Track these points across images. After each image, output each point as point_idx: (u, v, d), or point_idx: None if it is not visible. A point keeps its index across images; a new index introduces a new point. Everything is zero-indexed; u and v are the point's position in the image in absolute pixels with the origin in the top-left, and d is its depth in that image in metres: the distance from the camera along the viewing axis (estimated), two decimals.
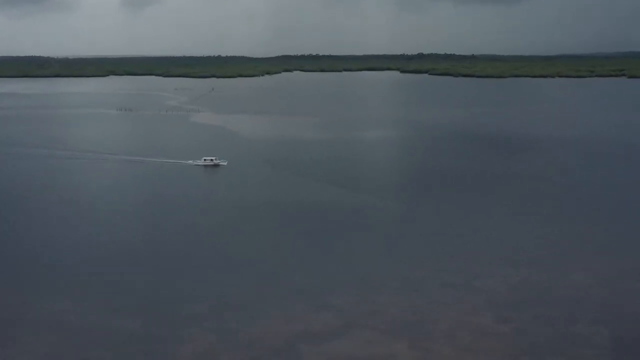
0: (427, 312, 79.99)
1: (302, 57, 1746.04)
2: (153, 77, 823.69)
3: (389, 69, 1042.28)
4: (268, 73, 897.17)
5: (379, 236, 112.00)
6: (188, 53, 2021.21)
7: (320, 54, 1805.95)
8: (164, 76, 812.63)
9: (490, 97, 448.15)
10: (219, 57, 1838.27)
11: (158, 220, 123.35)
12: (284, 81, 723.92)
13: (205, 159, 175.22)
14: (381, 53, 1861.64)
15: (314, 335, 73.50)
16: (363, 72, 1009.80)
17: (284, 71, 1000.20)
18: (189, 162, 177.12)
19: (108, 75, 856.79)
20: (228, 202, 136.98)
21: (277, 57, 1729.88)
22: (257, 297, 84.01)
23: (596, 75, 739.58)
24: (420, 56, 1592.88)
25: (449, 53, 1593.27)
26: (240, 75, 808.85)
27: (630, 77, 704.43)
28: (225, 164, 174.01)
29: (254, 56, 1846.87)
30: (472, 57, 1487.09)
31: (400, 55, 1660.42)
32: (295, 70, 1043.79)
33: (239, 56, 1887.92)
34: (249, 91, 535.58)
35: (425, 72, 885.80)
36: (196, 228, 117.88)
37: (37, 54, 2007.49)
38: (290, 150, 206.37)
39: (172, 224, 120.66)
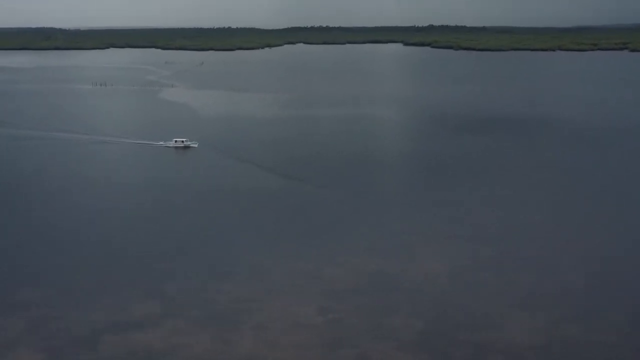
0: (257, 301, 79.82)
1: (312, 29, 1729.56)
2: (153, 49, 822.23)
3: (392, 41, 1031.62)
4: (269, 46, 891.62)
5: (267, 223, 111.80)
6: (197, 25, 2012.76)
7: (330, 26, 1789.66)
8: (163, 49, 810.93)
9: (475, 72, 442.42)
10: (228, 29, 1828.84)
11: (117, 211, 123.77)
12: (280, 54, 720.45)
13: (176, 141, 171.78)
14: (392, 25, 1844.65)
15: (125, 324, 73.77)
16: (366, 44, 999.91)
17: (287, 43, 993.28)
18: (160, 143, 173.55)
19: (108, 48, 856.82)
20: (192, 188, 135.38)
21: (286, 29, 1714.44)
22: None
23: (598, 49, 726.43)
24: (430, 28, 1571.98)
25: (459, 25, 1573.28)
26: (240, 48, 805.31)
27: (633, 50, 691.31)
28: (196, 145, 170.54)
29: (263, 28, 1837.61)
30: (483, 29, 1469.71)
31: (411, 26, 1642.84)
32: (299, 42, 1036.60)
33: (248, 28, 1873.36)
34: (239, 65, 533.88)
35: (428, 44, 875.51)
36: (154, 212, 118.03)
37: (48, 26, 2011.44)
38: (255, 130, 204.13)
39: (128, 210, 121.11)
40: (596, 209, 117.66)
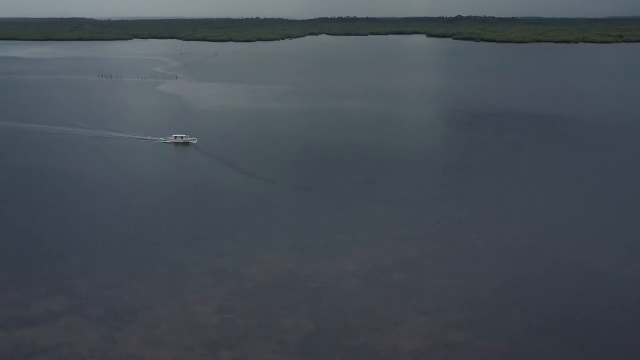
0: (161, 300, 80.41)
1: (339, 19, 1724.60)
2: (175, 40, 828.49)
3: (416, 32, 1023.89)
4: (289, 37, 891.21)
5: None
6: (227, 16, 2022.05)
7: (358, 17, 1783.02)
8: (185, 40, 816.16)
9: (487, 64, 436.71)
10: (255, 20, 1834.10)
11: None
12: (299, 46, 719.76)
13: (176, 137, 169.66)
14: (421, 15, 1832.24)
15: (20, 321, 75.02)
16: (390, 36, 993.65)
17: (309, 35, 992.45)
18: (160, 139, 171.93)
19: (131, 39, 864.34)
20: (168, 185, 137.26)
21: (313, 20, 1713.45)
22: None
23: (624, 41, 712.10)
24: (459, 19, 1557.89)
25: (488, 16, 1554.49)
26: (260, 39, 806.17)
27: None
28: (195, 142, 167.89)
29: (292, 18, 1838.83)
30: (512, 20, 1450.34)
31: (439, 17, 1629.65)
32: (322, 34, 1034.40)
33: (275, 19, 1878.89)
34: (253, 57, 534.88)
35: (451, 36, 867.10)
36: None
37: (80, 16, 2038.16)
38: (252, 125, 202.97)
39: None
40: (553, 211, 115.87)
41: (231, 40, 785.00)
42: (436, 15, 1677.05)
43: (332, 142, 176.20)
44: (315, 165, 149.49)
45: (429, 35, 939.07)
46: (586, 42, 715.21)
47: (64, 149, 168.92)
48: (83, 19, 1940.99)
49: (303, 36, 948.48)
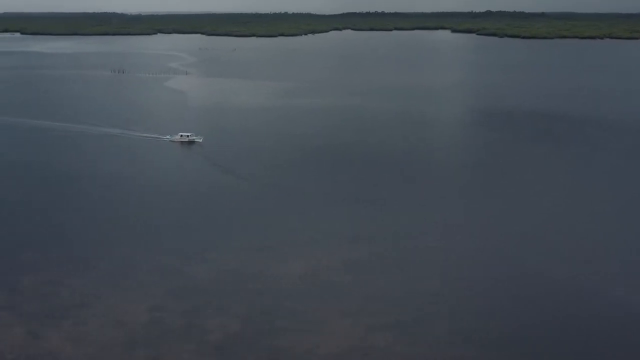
0: (97, 297, 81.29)
1: (367, 14, 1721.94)
2: (198, 35, 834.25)
3: (441, 27, 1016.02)
4: (313, 32, 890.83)
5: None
6: (255, 10, 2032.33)
7: (386, 12, 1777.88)
8: (208, 34, 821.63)
9: (503, 62, 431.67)
10: (284, 14, 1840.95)
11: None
12: (321, 41, 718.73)
13: (181, 135, 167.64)
14: (450, 10, 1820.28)
15: None
16: (414, 31, 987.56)
17: (333, 30, 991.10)
18: (167, 137, 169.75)
19: (155, 34, 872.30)
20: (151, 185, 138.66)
21: (341, 15, 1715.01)
22: None
23: None
24: (487, 14, 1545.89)
25: (517, 11, 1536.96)
26: (282, 35, 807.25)
27: None
28: (201, 140, 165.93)
29: (320, 13, 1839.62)
30: (541, 15, 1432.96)
31: (468, 12, 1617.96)
32: (346, 29, 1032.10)
33: (304, 13, 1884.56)
34: (271, 52, 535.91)
35: (475, 31, 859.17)
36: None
37: (111, 11, 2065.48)
38: (260, 123, 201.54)
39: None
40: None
41: (253, 35, 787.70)
42: (465, 10, 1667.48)
43: (339, 141, 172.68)
44: (316, 167, 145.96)
45: (454, 31, 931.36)
46: (612, 38, 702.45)
47: (63, 146, 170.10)
48: (114, 13, 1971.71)
49: (327, 31, 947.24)
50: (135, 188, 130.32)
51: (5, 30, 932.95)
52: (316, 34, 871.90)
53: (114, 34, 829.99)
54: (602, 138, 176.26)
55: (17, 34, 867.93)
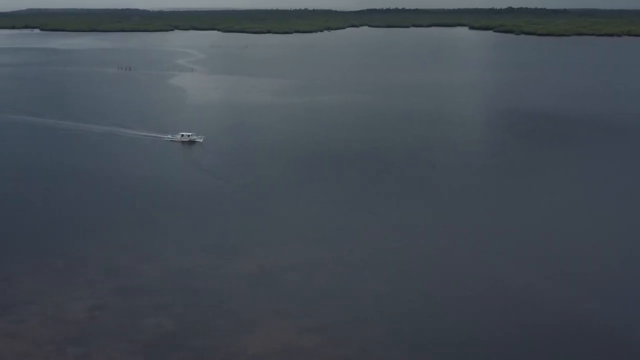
0: (42, 294, 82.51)
1: (388, 10, 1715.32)
2: (214, 31, 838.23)
3: (459, 24, 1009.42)
4: (329, 29, 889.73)
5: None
6: (276, 7, 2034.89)
7: (407, 8, 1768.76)
8: (224, 31, 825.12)
9: (512, 60, 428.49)
10: (304, 11, 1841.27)
11: None
12: (334, 38, 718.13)
13: (182, 135, 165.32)
14: (472, 7, 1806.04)
15: None
16: (432, 28, 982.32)
17: (350, 26, 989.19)
18: (168, 136, 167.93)
19: (173, 30, 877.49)
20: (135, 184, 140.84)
21: (360, 11, 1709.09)
22: None
23: None
24: (509, 10, 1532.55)
25: (539, 7, 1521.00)
26: (297, 31, 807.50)
27: None
28: (201, 140, 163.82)
29: (341, 10, 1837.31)
30: (563, 12, 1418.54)
31: (489, 9, 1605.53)
32: (363, 25, 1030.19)
33: (325, 10, 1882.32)
34: (281, 49, 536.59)
35: (493, 28, 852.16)
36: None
37: (133, 7, 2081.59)
38: (263, 122, 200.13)
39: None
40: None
41: (269, 32, 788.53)
42: (487, 7, 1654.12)
43: (346, 142, 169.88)
44: (315, 171, 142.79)
45: (471, 28, 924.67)
46: (631, 35, 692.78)
47: (52, 143, 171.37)
48: (136, 10, 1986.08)
49: (343, 28, 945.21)
50: (115, 187, 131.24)
51: (26, 27, 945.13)
52: (332, 31, 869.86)
53: (131, 31, 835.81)
54: (617, 140, 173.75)
55: (37, 30, 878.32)
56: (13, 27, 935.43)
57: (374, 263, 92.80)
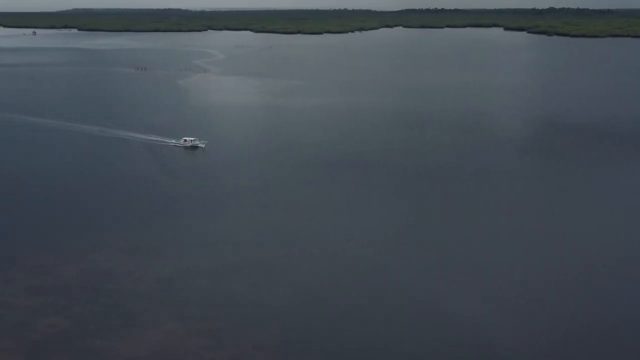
0: None
1: (427, 10, 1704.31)
2: (247, 32, 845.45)
3: (495, 25, 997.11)
4: (360, 29, 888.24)
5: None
6: (317, 7, 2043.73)
7: (446, 8, 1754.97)
8: (256, 31, 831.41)
9: (530, 62, 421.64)
10: (344, 11, 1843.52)
11: None
12: (364, 39, 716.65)
13: (185, 140, 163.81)
14: (512, 7, 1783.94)
15: None
16: (465, 28, 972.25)
17: (384, 27, 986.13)
18: (172, 141, 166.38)
19: (206, 30, 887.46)
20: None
21: (400, 11, 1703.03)
22: None
23: None
24: (550, 10, 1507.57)
25: (582, 7, 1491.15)
26: (328, 32, 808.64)
27: None
28: (203, 145, 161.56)
29: (381, 10, 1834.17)
30: (607, 12, 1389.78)
31: (531, 9, 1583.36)
32: (398, 25, 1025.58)
33: (364, 10, 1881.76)
34: (305, 50, 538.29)
35: (527, 29, 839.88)
36: None
37: (175, 7, 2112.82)
38: (270, 126, 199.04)
39: None
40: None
41: (299, 32, 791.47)
42: (529, 7, 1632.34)
43: (356, 149, 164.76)
44: (315, 180, 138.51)
45: (506, 29, 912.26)
46: None
47: (61, 146, 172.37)
48: (178, 9, 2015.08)
49: (376, 28, 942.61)
50: (85, 189, 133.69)
51: (65, 27, 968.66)
52: (364, 32, 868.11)
53: (165, 31, 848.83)
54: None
55: (75, 30, 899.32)
56: (52, 27, 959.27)
57: (296, 269, 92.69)
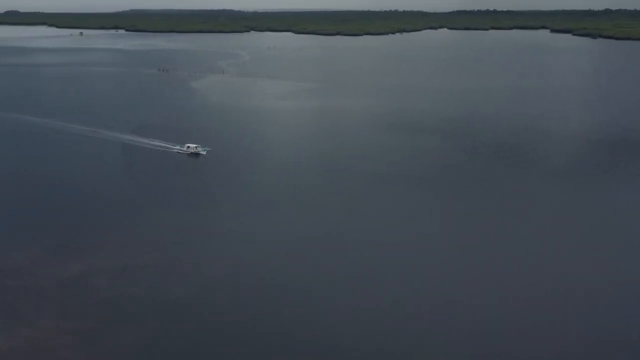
0: None
1: (479, 12, 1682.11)
2: (287, 33, 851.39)
3: (543, 27, 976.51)
4: (402, 31, 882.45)
5: None
6: (369, 8, 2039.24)
7: (498, 9, 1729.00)
8: (296, 33, 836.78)
9: (562, 66, 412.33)
10: (394, 12, 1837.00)
11: None
12: (401, 41, 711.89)
13: (188, 146, 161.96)
14: (568, 8, 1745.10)
15: None
16: (511, 30, 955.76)
17: (428, 28, 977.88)
18: (176, 147, 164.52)
19: (248, 31, 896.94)
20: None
21: (452, 13, 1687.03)
22: None
23: None
24: (606, 12, 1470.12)
25: (639, 9, 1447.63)
26: (367, 34, 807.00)
27: None
28: (205, 152, 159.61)
29: (433, 11, 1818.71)
30: None
31: (587, 10, 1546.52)
32: (442, 27, 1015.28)
33: (416, 11, 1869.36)
34: (337, 52, 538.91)
35: (573, 31, 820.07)
36: None
37: (229, 8, 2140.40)
38: (278, 131, 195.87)
39: None
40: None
41: (338, 34, 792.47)
42: (585, 8, 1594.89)
43: (362, 162, 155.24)
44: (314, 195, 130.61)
45: (552, 31, 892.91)
46: None
47: (61, 148, 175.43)
48: (231, 10, 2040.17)
49: (419, 30, 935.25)
50: (59, 190, 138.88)
51: (114, 27, 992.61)
52: (405, 34, 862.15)
53: (207, 32, 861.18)
54: None
55: (122, 31, 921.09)
56: (102, 28, 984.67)
57: (191, 273, 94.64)
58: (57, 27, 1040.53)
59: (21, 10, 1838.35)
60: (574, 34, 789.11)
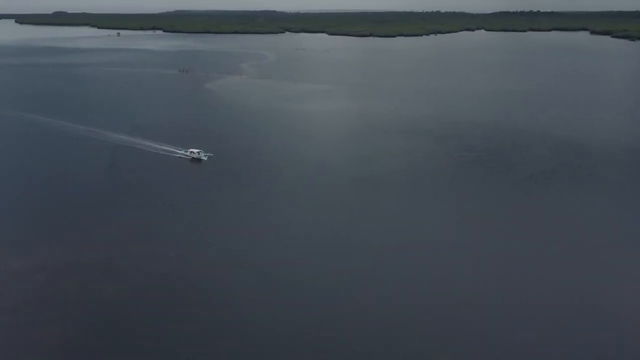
0: None
1: (522, 13, 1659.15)
2: (321, 34, 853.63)
3: (583, 29, 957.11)
4: (436, 32, 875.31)
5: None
6: (411, 9, 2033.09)
7: (543, 11, 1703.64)
8: (330, 34, 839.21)
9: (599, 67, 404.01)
10: (436, 13, 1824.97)
11: None
12: (436, 42, 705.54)
13: (191, 151, 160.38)
14: (616, 9, 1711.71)
15: None
16: (550, 32, 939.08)
17: (464, 30, 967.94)
18: (181, 152, 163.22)
19: (283, 32, 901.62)
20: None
21: (494, 14, 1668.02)
22: None
23: None
24: None
25: None
26: (401, 35, 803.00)
27: None
28: (206, 158, 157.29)
29: (474, 12, 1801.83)
30: None
31: (634, 12, 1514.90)
32: (479, 29, 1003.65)
33: (457, 12, 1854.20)
34: (365, 53, 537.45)
35: (611, 33, 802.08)
36: None
37: (271, 9, 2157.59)
38: (287, 136, 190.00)
39: None
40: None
41: (371, 35, 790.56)
42: (633, 9, 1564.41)
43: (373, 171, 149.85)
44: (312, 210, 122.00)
45: (592, 32, 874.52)
46: None
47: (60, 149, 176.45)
48: (273, 11, 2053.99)
49: (455, 31, 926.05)
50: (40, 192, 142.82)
51: (153, 28, 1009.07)
52: (438, 35, 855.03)
53: (242, 33, 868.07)
54: None
55: (159, 32, 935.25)
56: (141, 29, 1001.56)
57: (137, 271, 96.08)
58: (99, 27, 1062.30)
59: (69, 12, 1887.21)
60: (612, 36, 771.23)
